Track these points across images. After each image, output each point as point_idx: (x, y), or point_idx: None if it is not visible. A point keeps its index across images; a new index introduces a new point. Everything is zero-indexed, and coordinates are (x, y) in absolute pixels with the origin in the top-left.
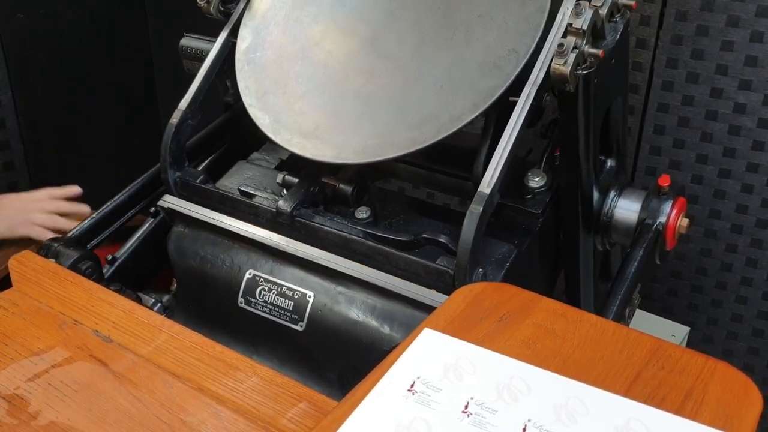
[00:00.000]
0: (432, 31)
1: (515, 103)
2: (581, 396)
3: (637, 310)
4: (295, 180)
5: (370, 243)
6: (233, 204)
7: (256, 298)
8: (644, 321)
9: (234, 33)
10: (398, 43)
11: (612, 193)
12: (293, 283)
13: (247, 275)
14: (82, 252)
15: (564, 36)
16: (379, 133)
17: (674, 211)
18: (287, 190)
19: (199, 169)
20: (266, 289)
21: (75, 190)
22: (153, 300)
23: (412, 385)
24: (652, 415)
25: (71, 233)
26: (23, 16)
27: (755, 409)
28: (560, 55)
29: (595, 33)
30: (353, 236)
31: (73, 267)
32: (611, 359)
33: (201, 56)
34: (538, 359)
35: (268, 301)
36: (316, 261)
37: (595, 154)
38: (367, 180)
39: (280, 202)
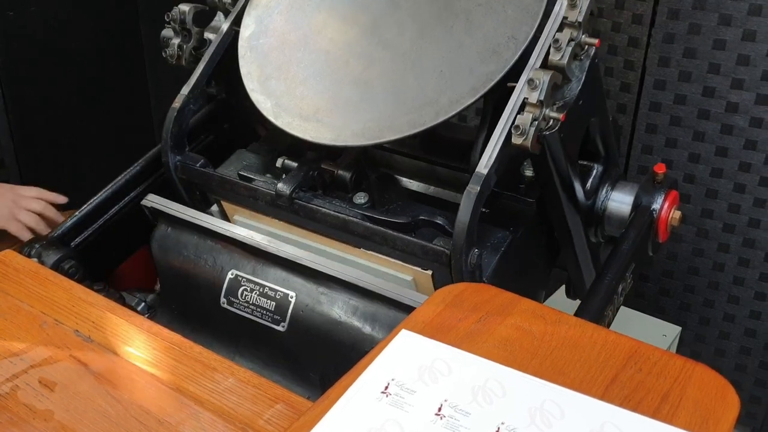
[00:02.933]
0: (432, 20)
1: (513, 89)
2: (556, 399)
3: (629, 310)
4: (295, 164)
5: (368, 224)
6: (233, 187)
7: (238, 299)
8: (636, 320)
9: (237, 22)
10: (399, 31)
11: (605, 187)
12: (275, 284)
13: (229, 275)
14: (65, 251)
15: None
16: (378, 117)
17: (667, 202)
18: (287, 175)
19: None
20: (248, 289)
21: (62, 199)
22: (137, 299)
23: (386, 387)
24: (627, 418)
25: (54, 232)
26: (13, 14)
27: (732, 412)
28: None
29: (555, 90)
30: (351, 218)
31: (56, 266)
32: (589, 361)
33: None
34: (515, 361)
35: (250, 302)
36: (297, 261)
37: (573, 179)
38: (366, 168)
39: (280, 185)
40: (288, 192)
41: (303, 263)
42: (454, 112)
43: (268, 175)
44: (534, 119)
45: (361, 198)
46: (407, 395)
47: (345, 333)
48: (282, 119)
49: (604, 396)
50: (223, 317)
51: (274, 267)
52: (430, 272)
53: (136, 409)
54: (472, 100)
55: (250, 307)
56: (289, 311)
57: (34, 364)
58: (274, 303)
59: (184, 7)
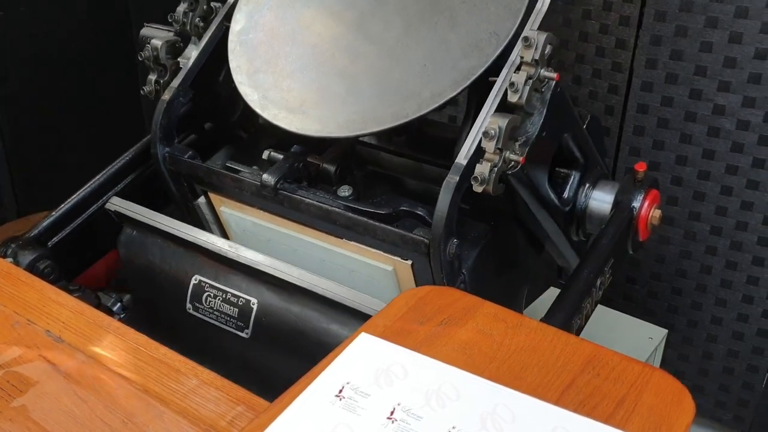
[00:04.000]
0: (417, 16)
1: (494, 83)
2: (510, 403)
3: (617, 312)
4: (281, 156)
5: (349, 215)
6: (219, 178)
7: (202, 304)
8: (623, 323)
9: (228, 17)
10: (385, 27)
11: (585, 187)
12: (237, 290)
13: (193, 281)
14: (40, 251)
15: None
16: (363, 109)
17: (647, 201)
18: (272, 166)
19: None
20: (212, 295)
21: None
22: (113, 299)
23: (340, 391)
24: (579, 423)
25: (31, 232)
26: (3, 14)
27: (687, 417)
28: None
29: (514, 133)
30: (334, 208)
31: (31, 266)
32: (547, 365)
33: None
34: (473, 365)
35: (214, 308)
36: (257, 267)
37: (545, 199)
38: (351, 163)
39: (265, 176)
40: (273, 182)
41: (262, 269)
42: (435, 105)
43: (255, 167)
44: (494, 166)
45: (345, 191)
46: (361, 399)
47: (307, 339)
48: (268, 111)
49: (559, 401)
50: (190, 322)
51: (236, 273)
52: (409, 262)
53: (102, 410)
54: (454, 93)
55: (215, 313)
56: (252, 318)
57: (3, 363)
58: (237, 309)
59: (157, 42)
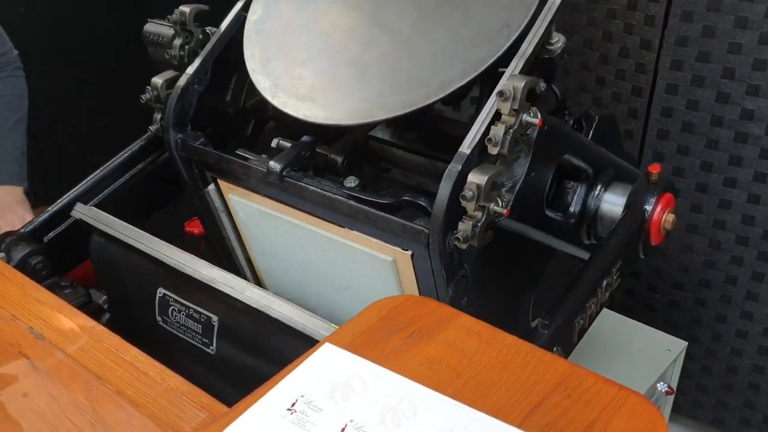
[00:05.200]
0: (432, 7)
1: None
2: (468, 424)
3: (636, 323)
4: (289, 144)
5: (352, 203)
6: (228, 165)
7: (170, 317)
8: (641, 334)
9: (246, 8)
10: (399, 17)
11: (597, 189)
12: (200, 306)
13: (158, 293)
14: (34, 247)
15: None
16: (371, 97)
17: (660, 204)
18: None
19: None
20: (177, 309)
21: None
22: (105, 297)
23: (293, 404)
24: None
25: (26, 228)
26: (23, 9)
27: None
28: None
29: (496, 186)
30: (337, 196)
31: (23, 261)
32: (516, 384)
33: (163, 42)
34: (438, 381)
35: (180, 322)
36: (213, 285)
37: (544, 224)
38: (361, 155)
39: (272, 162)
40: (279, 169)
41: (218, 287)
42: (443, 94)
43: (264, 156)
44: (476, 222)
45: (351, 182)
46: (313, 414)
47: (269, 356)
48: (278, 99)
49: (524, 423)
50: (160, 333)
51: (197, 289)
52: (410, 252)
53: (72, 410)
54: (462, 82)
55: (182, 327)
56: (215, 335)
57: None
58: (200, 325)
59: (157, 81)
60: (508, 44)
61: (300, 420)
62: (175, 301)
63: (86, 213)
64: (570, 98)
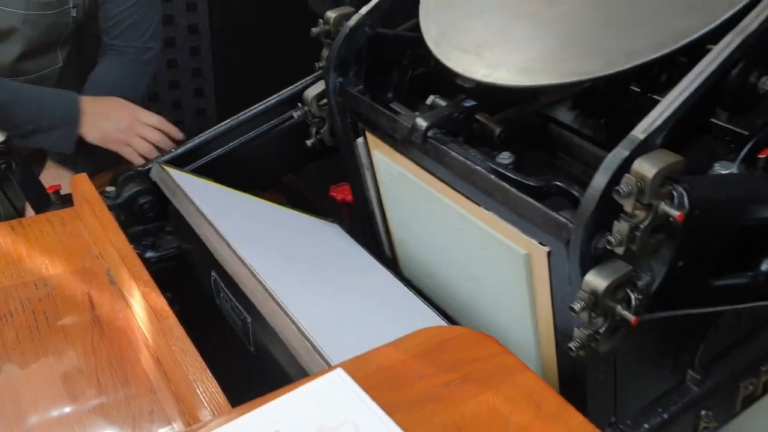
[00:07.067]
0: None
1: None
2: None
3: None
4: (444, 103)
5: (493, 178)
6: (377, 117)
7: (222, 303)
8: None
9: None
10: None
11: None
12: (238, 302)
13: (212, 275)
14: (144, 185)
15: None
16: (540, 58)
17: None
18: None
19: None
20: (224, 298)
21: (181, 135)
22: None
23: None
24: None
25: (146, 166)
26: None
27: None
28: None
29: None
30: (478, 167)
31: (131, 200)
32: None
33: None
34: None
35: (229, 311)
36: (240, 285)
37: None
38: (525, 132)
39: (418, 119)
40: (423, 127)
41: (243, 290)
42: (626, 66)
43: (417, 113)
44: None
45: (505, 158)
46: None
47: (297, 363)
48: (441, 48)
49: None
50: (220, 314)
51: (236, 283)
52: (547, 249)
53: (104, 365)
54: (654, 56)
55: (231, 316)
56: (250, 335)
57: (52, 293)
58: (240, 322)
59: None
60: (727, 15)
61: None
62: (222, 290)
63: (162, 177)
64: None
